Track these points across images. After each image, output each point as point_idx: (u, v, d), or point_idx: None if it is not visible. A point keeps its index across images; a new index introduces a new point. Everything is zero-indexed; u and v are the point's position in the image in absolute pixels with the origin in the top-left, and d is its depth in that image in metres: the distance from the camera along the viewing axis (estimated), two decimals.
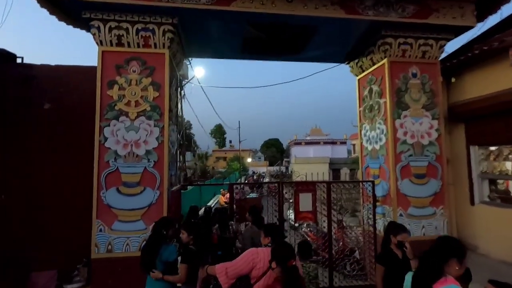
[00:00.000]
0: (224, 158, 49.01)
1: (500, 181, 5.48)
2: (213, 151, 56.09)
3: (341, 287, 5.09)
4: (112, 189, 4.27)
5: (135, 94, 4.42)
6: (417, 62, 5.19)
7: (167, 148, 4.44)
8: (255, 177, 32.47)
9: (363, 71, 5.93)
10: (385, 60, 5.13)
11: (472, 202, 5.38)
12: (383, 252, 3.09)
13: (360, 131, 6.07)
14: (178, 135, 5.60)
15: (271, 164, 56.43)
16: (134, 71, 4.46)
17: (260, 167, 50.29)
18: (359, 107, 6.13)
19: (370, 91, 5.65)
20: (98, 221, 4.21)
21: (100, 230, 4.20)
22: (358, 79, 6.21)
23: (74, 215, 4.53)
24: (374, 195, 5.25)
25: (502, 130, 4.80)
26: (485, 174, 5.31)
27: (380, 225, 5.27)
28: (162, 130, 4.45)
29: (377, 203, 5.29)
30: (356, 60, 6.00)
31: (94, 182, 4.22)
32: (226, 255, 3.07)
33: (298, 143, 51.23)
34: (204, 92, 13.08)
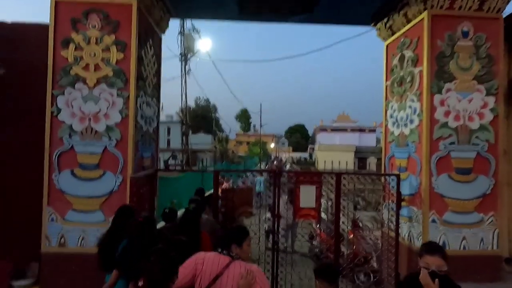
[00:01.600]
0: (248, 143, 48.51)
1: None
2: (236, 135, 55.84)
3: None
4: (65, 171, 3.53)
5: (94, 55, 3.57)
6: (470, 16, 3.80)
7: (132, 124, 3.59)
8: (275, 163, 31.52)
9: (393, 33, 4.59)
10: (424, 14, 3.79)
11: None
12: (407, 277, 2.09)
13: (386, 111, 4.81)
14: (160, 110, 4.72)
15: (295, 151, 55.10)
16: (94, 27, 3.59)
17: (283, 153, 49.23)
18: (386, 80, 4.83)
19: (402, 58, 4.34)
20: (49, 209, 3.52)
21: (52, 220, 3.52)
22: (387, 45, 4.88)
23: (28, 201, 3.85)
24: (398, 193, 4.08)
25: None
26: None
27: (405, 231, 4.13)
28: (127, 102, 3.59)
29: (403, 203, 4.12)
30: (385, 19, 4.66)
31: (45, 162, 3.50)
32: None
33: (323, 129, 49.11)
34: (216, 67, 12.26)
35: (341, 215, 6.69)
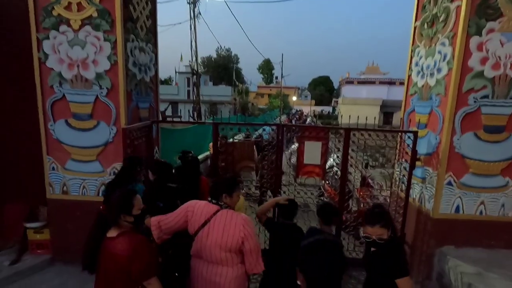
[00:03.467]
0: (269, 95, 47.41)
1: None
2: (258, 87, 54.47)
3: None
4: (60, 121, 3.46)
5: None
6: None
7: (122, 71, 3.34)
8: (297, 117, 30.80)
9: None
10: None
11: None
12: None
13: (411, 58, 4.15)
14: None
15: (318, 104, 53.29)
16: None
17: (305, 106, 47.89)
18: (415, 20, 4.07)
19: None
20: (50, 158, 3.55)
21: (53, 169, 3.58)
22: None
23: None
24: (414, 152, 3.69)
25: None
26: None
27: (417, 193, 3.84)
28: (115, 46, 3.30)
29: (418, 163, 3.76)
30: None
31: (39, 110, 3.44)
32: (168, 207, 2.27)
33: (350, 81, 46.20)
34: (232, 13, 11.31)
35: (353, 171, 6.44)
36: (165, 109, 13.10)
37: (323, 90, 58.40)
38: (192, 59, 14.54)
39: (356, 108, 31.12)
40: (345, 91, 43.47)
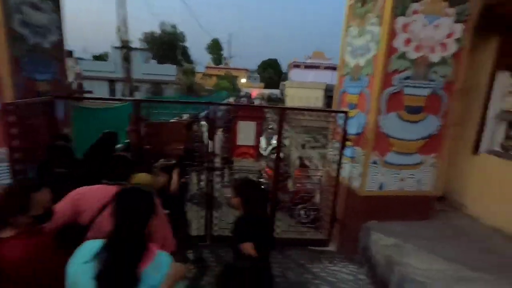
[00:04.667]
0: (218, 77, 46.07)
1: None
2: (206, 67, 52.44)
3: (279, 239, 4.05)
4: None
5: None
6: None
7: (3, 32, 2.63)
8: (245, 99, 30.54)
9: None
10: None
11: (476, 150, 3.95)
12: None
13: (344, 38, 4.14)
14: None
15: (268, 87, 53.63)
16: None
17: (255, 89, 47.83)
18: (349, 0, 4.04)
19: None
20: None
21: None
22: None
23: None
24: (344, 132, 3.75)
25: None
26: (507, 113, 3.71)
27: (347, 172, 3.93)
28: None
29: (348, 143, 3.83)
30: None
31: None
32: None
33: (297, 65, 47.34)
34: None
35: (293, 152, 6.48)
36: (77, 84, 11.62)
37: (272, 73, 58.85)
38: (122, 31, 13.03)
39: (302, 91, 32.18)
40: (293, 74, 44.46)
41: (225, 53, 55.60)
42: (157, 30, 41.52)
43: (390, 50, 3.22)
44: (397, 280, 2.81)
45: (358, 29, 3.75)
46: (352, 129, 3.77)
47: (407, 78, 3.31)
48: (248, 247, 1.88)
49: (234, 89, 34.14)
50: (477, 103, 3.91)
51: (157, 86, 26.09)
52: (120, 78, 25.77)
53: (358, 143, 3.68)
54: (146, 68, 25.31)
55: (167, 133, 3.74)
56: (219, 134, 4.53)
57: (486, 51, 3.81)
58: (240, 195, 2.06)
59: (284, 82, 50.06)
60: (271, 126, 11.60)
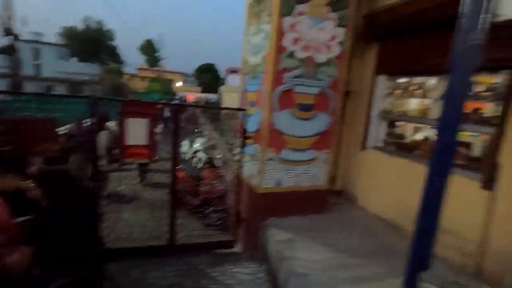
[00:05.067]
0: (153, 78, 43.48)
1: (399, 124, 4.49)
2: (139, 69, 49.18)
3: (181, 246, 3.80)
4: None
5: None
6: None
7: None
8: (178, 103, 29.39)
9: None
10: None
11: (364, 147, 4.34)
12: None
13: (245, 37, 4.16)
14: None
15: (206, 91, 52.77)
16: None
17: (191, 93, 46.59)
18: None
19: None
20: None
21: None
22: None
23: None
24: (243, 130, 3.72)
25: (417, 55, 3.46)
26: (387, 113, 4.17)
27: (248, 170, 3.90)
28: None
29: (248, 141, 3.81)
30: None
31: None
32: None
33: (234, 71, 47.81)
34: None
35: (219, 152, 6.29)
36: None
37: (210, 77, 58.27)
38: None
39: (235, 95, 32.50)
40: (230, 80, 44.73)
41: (165, 55, 52.98)
42: (81, 26, 37.37)
43: (280, 49, 3.30)
44: (283, 275, 2.82)
45: (255, 28, 3.79)
46: (252, 127, 3.76)
47: (297, 76, 3.43)
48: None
49: (169, 92, 32.61)
50: (364, 104, 4.31)
51: (75, 85, 23.33)
52: (30, 76, 22.34)
53: (258, 141, 3.68)
54: (61, 66, 22.44)
55: (31, 132, 3.17)
56: (105, 133, 4.06)
57: (369, 57, 4.23)
58: (42, 185, 1.80)
59: (221, 87, 50.08)
60: (198, 129, 11.25)
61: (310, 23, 3.34)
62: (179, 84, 45.34)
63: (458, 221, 2.96)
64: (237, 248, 4.05)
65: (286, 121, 3.50)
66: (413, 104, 4.06)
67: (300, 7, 3.27)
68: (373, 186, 4.17)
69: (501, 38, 2.71)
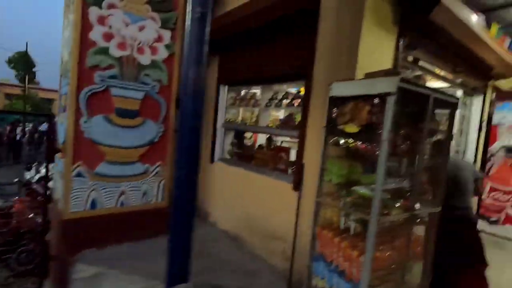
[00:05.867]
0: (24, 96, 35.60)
1: (248, 135, 4.54)
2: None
3: None
4: None
5: None
6: None
7: None
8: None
9: None
10: None
11: (212, 159, 4.15)
12: None
13: (63, 31, 3.50)
14: None
15: None
16: None
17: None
18: None
19: None
20: None
21: None
22: None
23: None
24: (49, 141, 2.95)
25: (244, 64, 3.55)
26: (229, 123, 4.12)
27: (58, 193, 3.09)
28: None
29: (58, 154, 3.04)
30: None
31: None
32: None
33: None
34: None
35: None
36: None
37: None
38: None
39: None
40: None
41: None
42: None
43: (87, 43, 2.79)
44: None
45: (67, 20, 3.19)
46: (62, 136, 3.03)
47: (113, 77, 2.96)
48: None
49: (40, 113, 27.05)
50: (211, 114, 4.17)
51: None
52: None
53: (64, 154, 2.96)
54: None
55: None
56: None
57: (214, 67, 4.17)
58: None
59: None
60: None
61: (126, 19, 2.98)
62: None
63: (282, 226, 2.94)
64: None
65: (101, 129, 2.94)
66: (248, 113, 4.15)
67: (111, 0, 2.88)
68: (221, 200, 3.96)
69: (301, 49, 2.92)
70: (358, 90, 1.85)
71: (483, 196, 4.46)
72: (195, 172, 1.37)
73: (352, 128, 1.88)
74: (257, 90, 4.06)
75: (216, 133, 4.09)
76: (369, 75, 1.98)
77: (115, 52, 2.94)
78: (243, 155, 3.81)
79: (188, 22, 1.46)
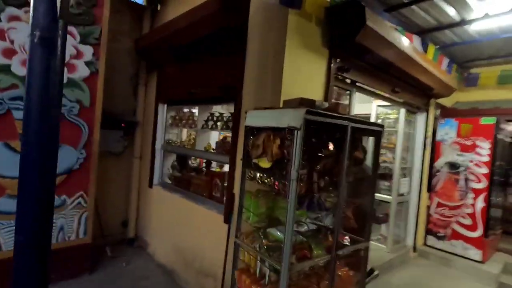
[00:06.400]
0: None
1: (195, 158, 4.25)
2: None
3: None
4: None
5: None
6: None
7: None
8: None
9: None
10: None
11: (151, 183, 3.81)
12: None
13: None
14: None
15: None
16: None
17: None
18: None
19: None
20: None
21: None
22: None
23: None
24: None
25: (179, 82, 3.30)
26: (168, 144, 3.82)
27: None
28: None
29: None
30: None
31: None
32: None
33: None
34: None
35: None
36: None
37: None
38: None
39: None
40: None
41: None
42: None
43: None
44: None
45: None
46: None
47: (16, 98, 2.57)
48: None
49: None
50: (150, 134, 3.85)
51: None
52: None
53: None
54: None
55: None
56: None
57: (153, 84, 3.88)
58: None
59: None
60: None
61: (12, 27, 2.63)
62: None
63: (214, 262, 2.67)
64: None
65: (1, 158, 2.52)
66: (185, 134, 3.89)
67: (14, 11, 2.53)
68: (158, 229, 3.62)
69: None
70: (269, 121, 1.66)
71: (431, 211, 4.50)
72: (48, 209, 1.09)
73: (264, 163, 1.68)
74: (195, 110, 3.82)
75: (155, 154, 3.77)
76: (286, 104, 1.81)
77: (19, 70, 2.56)
78: (182, 180, 3.51)
79: (27, 48, 1.19)
